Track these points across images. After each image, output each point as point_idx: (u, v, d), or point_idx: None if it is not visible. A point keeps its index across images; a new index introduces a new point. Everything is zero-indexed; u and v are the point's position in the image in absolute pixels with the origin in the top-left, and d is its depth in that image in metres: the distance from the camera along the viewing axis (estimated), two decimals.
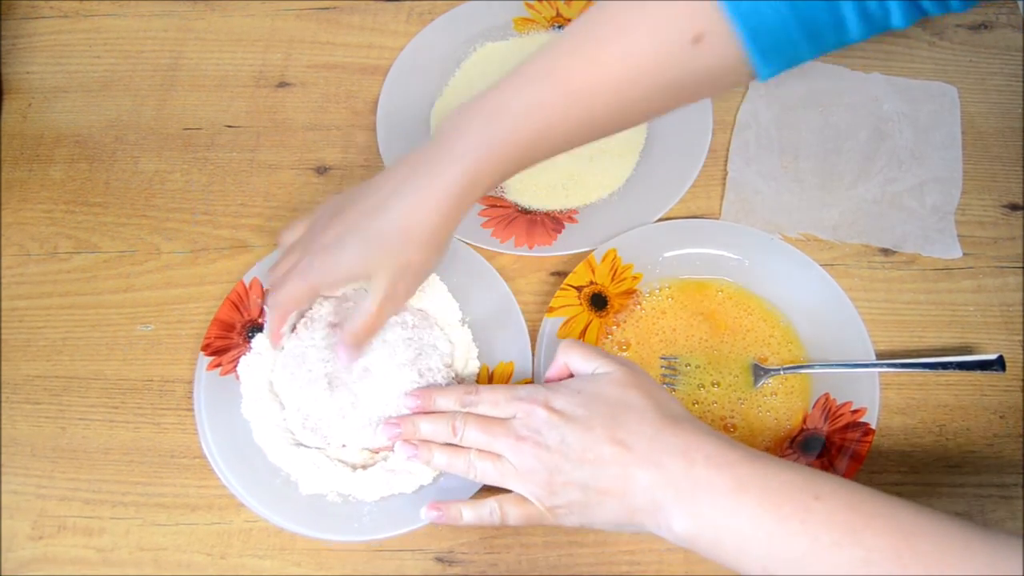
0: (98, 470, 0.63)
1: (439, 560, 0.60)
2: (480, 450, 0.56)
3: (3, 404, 0.65)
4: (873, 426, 0.61)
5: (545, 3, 0.82)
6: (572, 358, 0.58)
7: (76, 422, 0.65)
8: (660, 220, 0.70)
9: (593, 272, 0.68)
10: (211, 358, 0.65)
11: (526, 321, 0.66)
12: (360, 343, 0.59)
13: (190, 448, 0.63)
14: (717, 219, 0.71)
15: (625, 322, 0.67)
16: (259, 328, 0.66)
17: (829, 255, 0.70)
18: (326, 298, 0.65)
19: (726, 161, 0.74)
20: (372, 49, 0.81)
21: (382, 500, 0.60)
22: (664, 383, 0.65)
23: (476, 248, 0.69)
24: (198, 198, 0.74)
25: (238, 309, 0.67)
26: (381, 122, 0.76)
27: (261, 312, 0.66)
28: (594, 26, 0.53)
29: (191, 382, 0.65)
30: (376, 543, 0.60)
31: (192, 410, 0.63)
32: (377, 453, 0.62)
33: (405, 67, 0.79)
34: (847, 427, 0.61)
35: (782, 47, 0.50)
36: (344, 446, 0.61)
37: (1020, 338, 0.66)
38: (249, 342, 0.65)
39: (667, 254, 0.69)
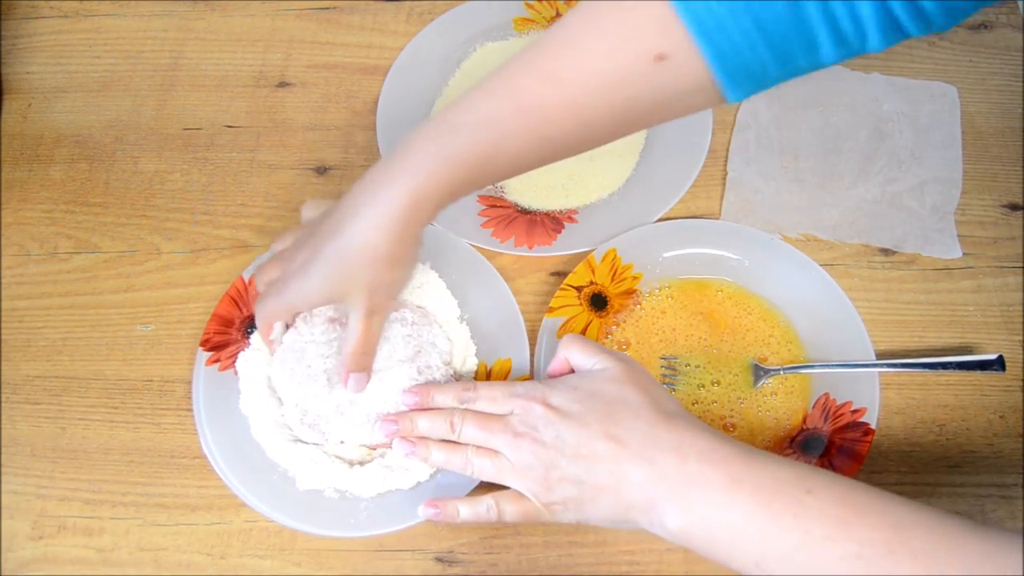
0: (98, 470, 0.63)
1: (439, 560, 0.60)
2: (478, 447, 0.56)
3: (3, 404, 0.65)
4: (873, 426, 0.61)
5: (545, 3, 0.82)
6: (572, 353, 0.58)
7: (76, 422, 0.65)
8: (660, 220, 0.70)
9: (593, 272, 0.68)
10: (210, 353, 0.65)
11: (525, 321, 0.66)
12: (361, 365, 0.59)
13: (190, 448, 0.63)
14: (717, 219, 0.71)
15: (625, 322, 0.67)
16: None
17: (829, 255, 0.70)
18: None
19: (726, 161, 0.74)
20: (372, 49, 0.81)
21: (379, 496, 0.60)
22: (664, 383, 0.65)
23: (476, 248, 0.69)
24: (198, 198, 0.74)
25: (237, 305, 0.67)
26: (381, 122, 0.76)
27: None
28: (552, 40, 0.52)
29: (191, 382, 0.65)
30: (376, 543, 0.60)
31: (192, 410, 0.64)
32: (375, 449, 0.62)
33: (405, 67, 0.79)
34: (847, 427, 0.61)
35: (750, 69, 0.48)
36: (342, 442, 0.61)
37: (1020, 338, 0.66)
38: (248, 338, 0.65)
39: (667, 254, 0.69)
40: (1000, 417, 0.64)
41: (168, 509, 0.61)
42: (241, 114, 0.78)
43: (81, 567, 0.60)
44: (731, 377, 0.65)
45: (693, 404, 0.64)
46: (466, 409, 0.58)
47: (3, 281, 0.70)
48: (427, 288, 0.66)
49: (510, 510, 0.55)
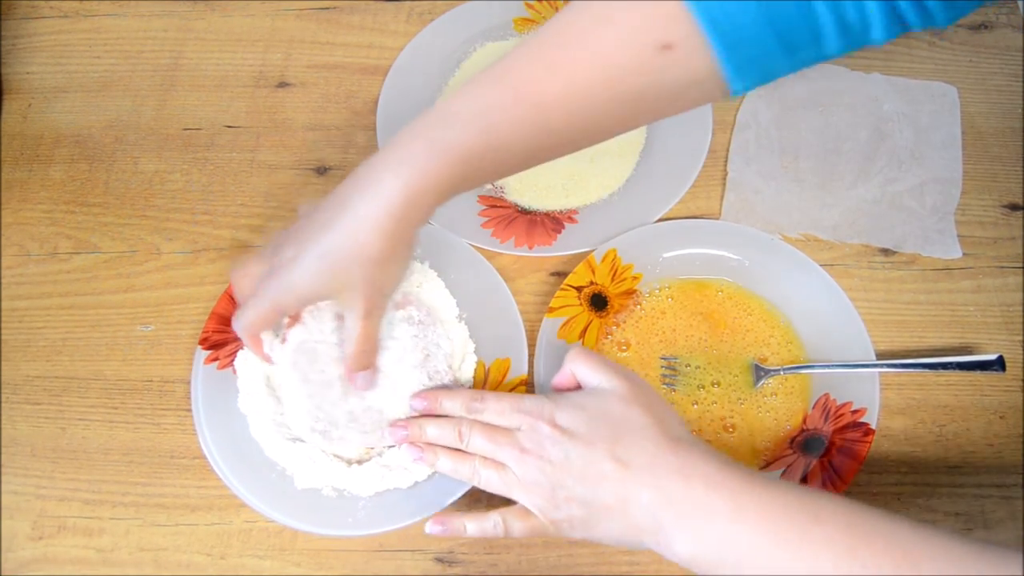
0: (98, 470, 0.63)
1: (439, 560, 0.60)
2: (485, 457, 0.56)
3: (3, 404, 0.65)
4: (873, 426, 0.61)
5: (545, 3, 0.82)
6: (579, 367, 0.57)
7: (76, 422, 0.65)
8: (660, 220, 0.70)
9: (593, 272, 0.68)
10: (208, 352, 0.65)
11: (525, 322, 0.66)
12: (365, 364, 0.59)
13: (190, 448, 0.63)
14: (717, 219, 0.71)
15: (625, 322, 0.67)
16: None
17: (829, 255, 0.70)
18: None
19: (726, 161, 0.74)
20: (372, 49, 0.81)
21: (377, 495, 0.60)
22: (664, 383, 0.65)
23: (476, 248, 0.69)
24: (198, 198, 0.74)
25: (236, 304, 0.66)
26: (381, 122, 0.76)
27: None
28: (555, 30, 0.51)
29: (191, 382, 0.65)
30: (375, 543, 0.60)
31: (191, 410, 0.63)
32: (373, 448, 0.62)
33: (405, 67, 0.79)
34: (847, 427, 0.61)
35: (757, 60, 0.48)
36: (342, 439, 0.61)
37: (1020, 338, 0.66)
38: None
39: (667, 254, 0.69)
40: (1000, 417, 0.64)
41: (168, 509, 0.62)
42: (241, 114, 0.78)
43: (81, 567, 0.60)
44: (731, 377, 0.65)
45: (693, 404, 0.64)
46: (474, 420, 0.57)
47: (3, 281, 0.70)
48: (426, 287, 0.66)
49: (517, 527, 0.55)
